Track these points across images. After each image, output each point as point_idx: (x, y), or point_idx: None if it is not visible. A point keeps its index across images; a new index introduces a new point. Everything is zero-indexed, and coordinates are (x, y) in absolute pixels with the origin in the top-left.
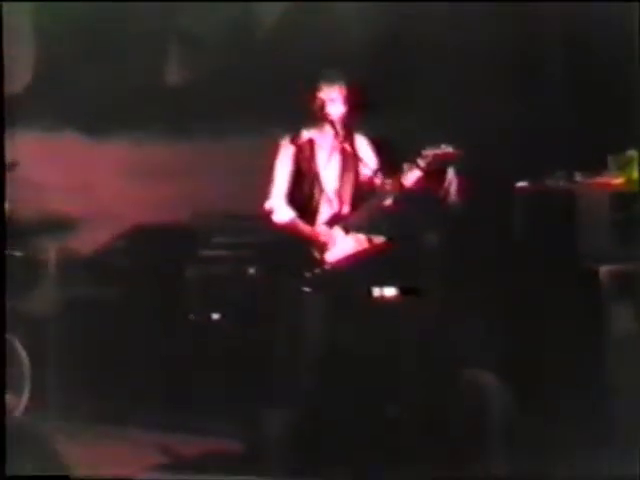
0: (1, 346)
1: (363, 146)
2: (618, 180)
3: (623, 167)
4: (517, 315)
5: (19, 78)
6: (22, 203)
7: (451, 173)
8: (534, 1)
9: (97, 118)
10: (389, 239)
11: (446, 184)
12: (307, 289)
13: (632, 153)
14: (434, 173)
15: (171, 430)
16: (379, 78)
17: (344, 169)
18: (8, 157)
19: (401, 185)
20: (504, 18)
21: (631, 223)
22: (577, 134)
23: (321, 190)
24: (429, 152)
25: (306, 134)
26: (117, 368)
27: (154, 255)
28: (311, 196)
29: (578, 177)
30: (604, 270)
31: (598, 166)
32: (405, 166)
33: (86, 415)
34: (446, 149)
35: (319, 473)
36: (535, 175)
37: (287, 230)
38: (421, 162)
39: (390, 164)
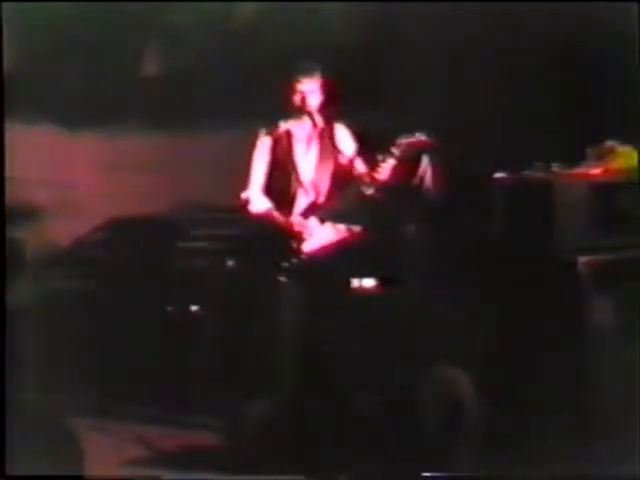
0: (1, 346)
1: (342, 136)
2: (596, 170)
3: (601, 158)
4: (496, 306)
5: None
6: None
7: (425, 161)
8: (526, 0)
9: (75, 111)
10: (366, 228)
11: (420, 172)
12: (284, 279)
13: (610, 143)
14: (410, 162)
15: (152, 423)
16: (360, 69)
17: (322, 160)
18: None
19: (377, 174)
20: (488, 12)
21: (609, 213)
22: (555, 125)
23: (298, 181)
24: (403, 140)
25: (284, 126)
26: (97, 361)
27: (133, 248)
28: (288, 187)
29: (556, 168)
30: (583, 260)
31: (576, 157)
32: (380, 155)
33: (66, 409)
34: (420, 137)
35: (301, 466)
36: (513, 166)
37: (263, 220)
38: (395, 150)
39: (368, 154)
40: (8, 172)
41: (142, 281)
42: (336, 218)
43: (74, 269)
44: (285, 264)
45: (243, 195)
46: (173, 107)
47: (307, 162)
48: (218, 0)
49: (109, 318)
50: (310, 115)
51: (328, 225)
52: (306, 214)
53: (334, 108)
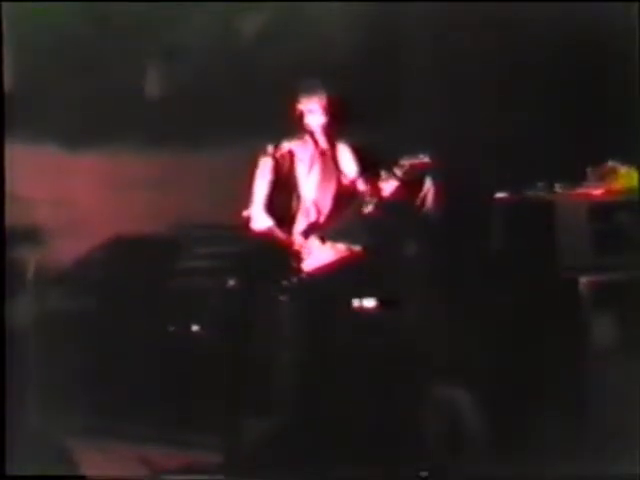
0: (1, 346)
1: (345, 155)
2: (598, 191)
3: (603, 178)
4: (497, 325)
5: None
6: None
7: (428, 183)
8: (526, 1)
9: (77, 130)
10: (366, 248)
11: (423, 194)
12: (284, 298)
13: (612, 164)
14: (412, 182)
15: (152, 442)
16: (361, 88)
17: (324, 180)
18: None
19: (378, 194)
20: (488, 28)
21: (611, 233)
22: (557, 145)
23: (299, 201)
24: (406, 162)
25: (287, 145)
26: (97, 380)
27: (134, 266)
28: (289, 207)
29: (558, 188)
30: (584, 280)
31: (578, 177)
32: (382, 175)
33: (67, 429)
34: (423, 159)
35: None
36: (515, 186)
37: (264, 238)
38: (398, 171)
39: (369, 173)
40: (9, 190)
41: (143, 299)
42: (336, 237)
43: (75, 287)
44: (285, 283)
45: (245, 213)
46: (174, 125)
47: (309, 182)
48: (219, 0)
49: (110, 337)
50: (311, 135)
51: (328, 245)
52: (307, 234)
53: (337, 128)
